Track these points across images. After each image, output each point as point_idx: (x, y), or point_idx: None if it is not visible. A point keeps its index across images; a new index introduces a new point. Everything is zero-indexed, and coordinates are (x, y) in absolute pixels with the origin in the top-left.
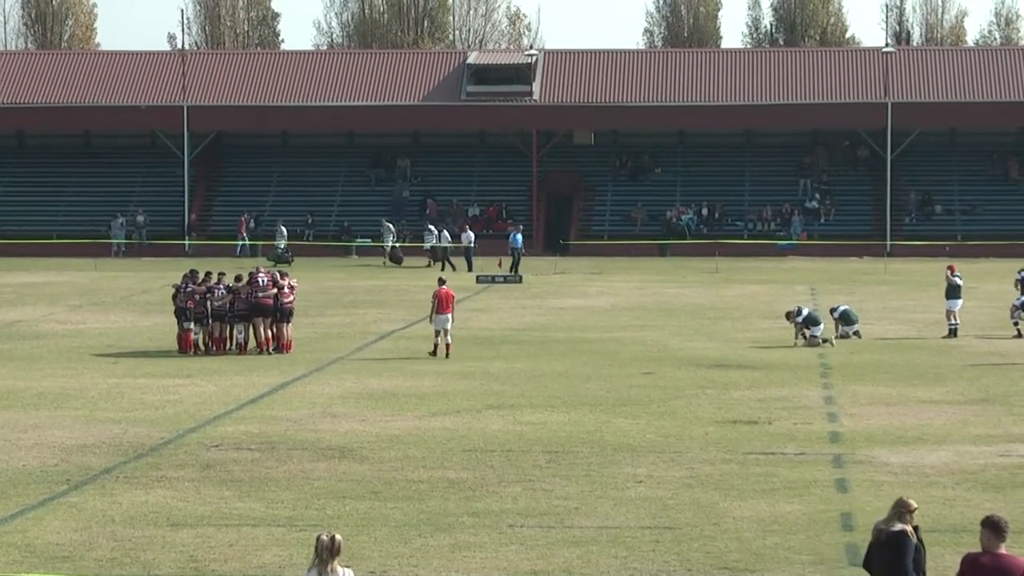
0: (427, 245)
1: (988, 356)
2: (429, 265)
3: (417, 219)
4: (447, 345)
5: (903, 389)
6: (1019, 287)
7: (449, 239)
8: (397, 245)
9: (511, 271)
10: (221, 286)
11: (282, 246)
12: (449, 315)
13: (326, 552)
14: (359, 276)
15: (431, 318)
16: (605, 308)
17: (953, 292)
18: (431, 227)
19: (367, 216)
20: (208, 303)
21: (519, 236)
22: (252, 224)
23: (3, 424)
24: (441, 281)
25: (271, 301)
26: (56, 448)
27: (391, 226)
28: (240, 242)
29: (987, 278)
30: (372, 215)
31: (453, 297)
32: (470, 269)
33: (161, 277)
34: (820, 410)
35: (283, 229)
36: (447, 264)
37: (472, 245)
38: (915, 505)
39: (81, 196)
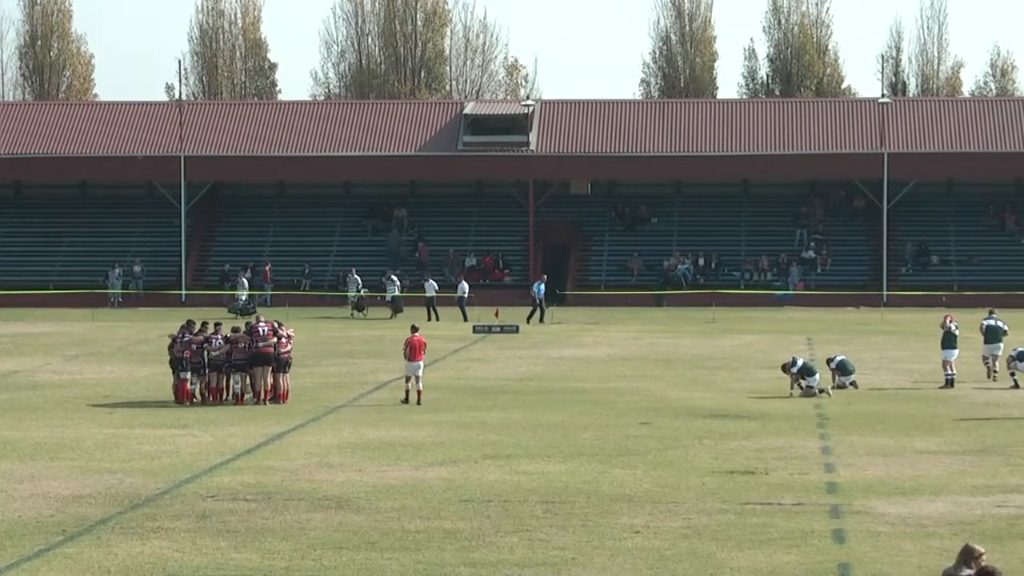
0: (388, 296)
1: (985, 407)
2: (392, 317)
3: (414, 268)
4: (418, 392)
5: (900, 439)
6: (983, 333)
7: (436, 288)
8: (363, 293)
9: (530, 320)
10: (219, 336)
11: (243, 297)
12: (420, 362)
13: None
14: (355, 326)
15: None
16: (602, 358)
17: (950, 342)
18: (393, 277)
19: (363, 266)
20: (205, 353)
21: (542, 286)
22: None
23: None
24: (414, 328)
25: (272, 350)
26: (52, 499)
27: (357, 277)
28: (267, 292)
29: None
30: (369, 265)
31: (425, 344)
32: (465, 319)
33: (157, 327)
34: (817, 460)
35: (244, 280)
36: (432, 312)
37: (466, 295)
38: (982, 550)
39: (78, 246)
